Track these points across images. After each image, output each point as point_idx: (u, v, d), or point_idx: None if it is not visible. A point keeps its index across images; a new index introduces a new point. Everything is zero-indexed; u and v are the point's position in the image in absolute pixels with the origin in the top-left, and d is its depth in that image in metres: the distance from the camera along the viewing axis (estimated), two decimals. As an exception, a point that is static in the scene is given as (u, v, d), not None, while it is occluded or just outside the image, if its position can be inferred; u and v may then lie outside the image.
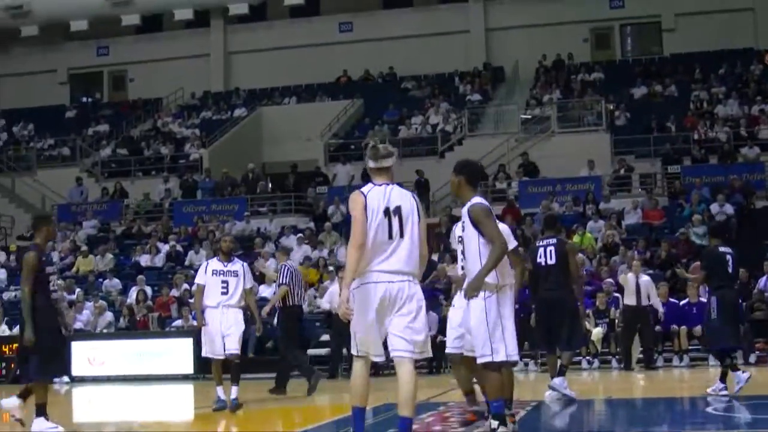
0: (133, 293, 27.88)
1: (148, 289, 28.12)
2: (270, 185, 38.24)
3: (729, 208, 28.58)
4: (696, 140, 33.60)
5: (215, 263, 14.38)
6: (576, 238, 27.01)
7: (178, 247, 31.28)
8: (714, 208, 28.59)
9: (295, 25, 44.54)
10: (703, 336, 18.92)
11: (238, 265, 14.43)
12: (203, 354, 14.54)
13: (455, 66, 42.42)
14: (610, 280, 24.13)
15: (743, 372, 13.83)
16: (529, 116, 36.97)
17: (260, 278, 27.61)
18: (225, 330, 14.05)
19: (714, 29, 39.44)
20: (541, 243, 13.97)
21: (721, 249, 14.07)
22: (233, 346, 14.04)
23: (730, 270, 13.97)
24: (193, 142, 39.47)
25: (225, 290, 14.14)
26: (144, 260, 31.06)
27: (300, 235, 30.80)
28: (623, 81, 39.21)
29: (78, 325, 26.71)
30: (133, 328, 26.54)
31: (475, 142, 35.76)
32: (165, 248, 31.27)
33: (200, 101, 44.71)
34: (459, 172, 9.41)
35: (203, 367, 23.91)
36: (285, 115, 41.15)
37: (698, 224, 26.94)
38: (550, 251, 13.72)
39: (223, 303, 14.08)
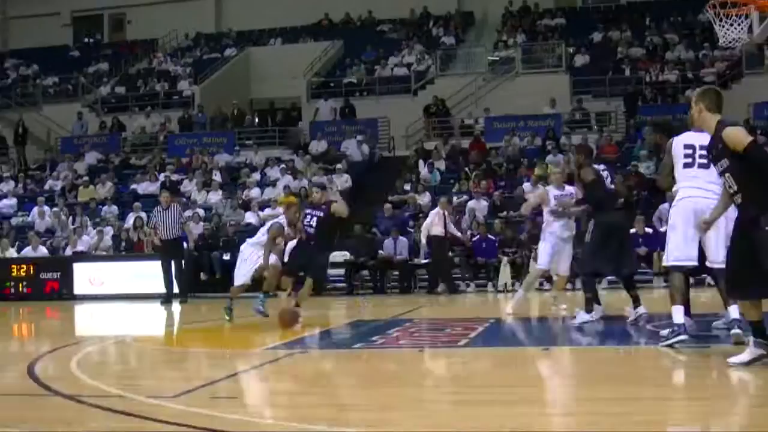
0: (130, 219, 27.97)
1: (144, 215, 28.22)
2: (257, 120, 38.36)
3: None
4: (648, 82, 33.74)
5: None
6: (538, 170, 27.30)
7: (173, 177, 31.37)
8: (662, 144, 28.79)
9: (281, -30, 44.25)
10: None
11: None
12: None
13: (429, 10, 42.31)
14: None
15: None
16: (496, 58, 37.01)
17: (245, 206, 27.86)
18: None
19: (667, -21, 39.39)
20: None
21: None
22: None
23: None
24: (186, 80, 39.44)
25: None
26: (143, 188, 31.11)
27: (283, 165, 30.95)
28: (583, 26, 39.24)
29: (80, 248, 26.91)
30: (130, 250, 26.66)
31: (446, 81, 35.89)
32: (161, 177, 31.35)
33: (193, 42, 44.56)
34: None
35: (192, 286, 24.28)
36: (271, 55, 41.04)
37: (646, 159, 27.16)
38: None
39: None
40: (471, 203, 26.23)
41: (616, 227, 12.50)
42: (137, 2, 45.51)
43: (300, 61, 38.32)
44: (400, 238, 24.63)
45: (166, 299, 21.36)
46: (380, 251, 24.64)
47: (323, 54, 40.05)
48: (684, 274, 9.96)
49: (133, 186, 31.44)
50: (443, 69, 37.25)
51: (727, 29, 13.27)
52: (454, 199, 26.36)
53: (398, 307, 17.53)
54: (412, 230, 25.48)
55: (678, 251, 9.55)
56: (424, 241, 23.52)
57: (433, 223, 23.09)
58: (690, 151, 9.57)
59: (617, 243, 12.44)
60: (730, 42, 13.46)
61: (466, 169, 28.82)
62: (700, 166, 9.48)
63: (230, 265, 25.40)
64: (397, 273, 24.70)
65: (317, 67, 39.28)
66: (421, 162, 29.92)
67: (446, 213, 23.14)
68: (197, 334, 14.48)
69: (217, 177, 30.83)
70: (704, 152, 9.17)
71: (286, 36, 43.05)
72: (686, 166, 9.58)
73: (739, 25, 13.29)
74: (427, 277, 24.19)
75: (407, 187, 28.27)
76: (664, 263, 9.87)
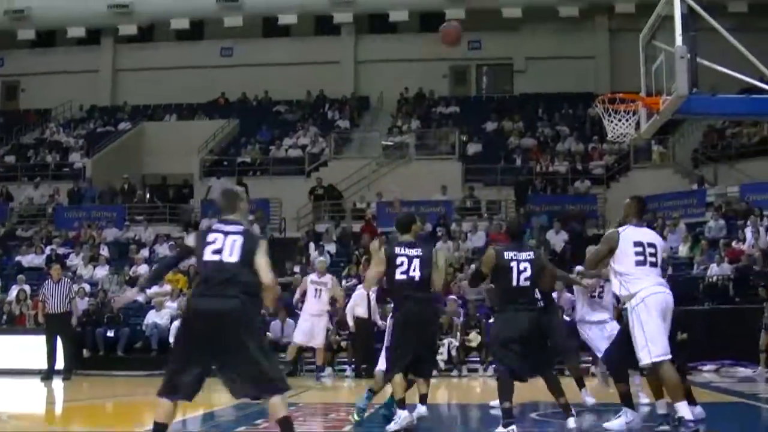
0: (13, 291, 27.30)
1: (27, 288, 27.56)
2: (148, 195, 37.92)
3: (564, 235, 29.16)
4: (538, 172, 34.21)
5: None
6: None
7: (59, 250, 30.74)
8: (550, 234, 29.14)
9: (180, 47, 44.14)
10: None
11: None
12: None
13: (325, 93, 42.54)
14: (453, 296, 24.38)
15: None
16: (390, 143, 37.24)
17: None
18: None
19: (559, 73, 40.17)
20: None
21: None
22: None
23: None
24: (78, 152, 38.87)
25: None
26: (28, 260, 30.46)
27: (172, 243, 30.54)
28: (477, 115, 39.76)
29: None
30: (11, 323, 25.99)
31: (340, 164, 36.00)
32: (47, 250, 30.69)
33: (87, 114, 44.07)
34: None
35: (75, 363, 23.68)
36: (166, 130, 40.74)
37: (535, 247, 27.31)
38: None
39: None
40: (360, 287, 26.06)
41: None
42: (32, 71, 44.84)
43: (195, 137, 38.14)
44: (288, 320, 24.28)
45: (47, 375, 20.82)
46: (267, 333, 24.24)
47: (218, 131, 39.92)
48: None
49: (18, 258, 30.75)
50: (337, 152, 37.38)
51: (616, 124, 13.47)
52: (343, 282, 26.21)
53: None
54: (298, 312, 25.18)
55: (660, 345, 9.55)
56: (351, 323, 23.07)
57: (356, 304, 22.80)
58: (640, 249, 9.79)
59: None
60: (618, 137, 13.65)
61: (356, 252, 28.71)
62: (651, 264, 9.76)
63: (114, 342, 25.11)
64: (283, 355, 24.25)
65: (212, 144, 39.13)
66: (311, 244, 29.77)
67: (370, 294, 22.83)
68: (79, 412, 14.01)
69: (104, 252, 30.30)
70: (652, 250, 9.76)
71: (182, 112, 42.89)
72: (639, 263, 9.75)
73: (627, 120, 13.49)
74: (314, 360, 23.79)
75: (296, 269, 28.00)
76: (650, 360, 9.62)
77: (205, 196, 35.13)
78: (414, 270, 10.27)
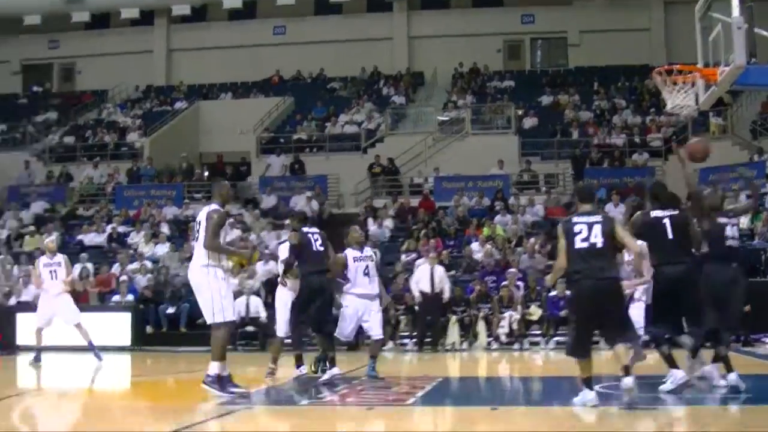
0: (76, 270, 27.74)
1: (90, 266, 28.08)
2: (206, 173, 38.35)
3: (621, 208, 29.14)
4: (595, 145, 34.20)
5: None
6: (486, 231, 27.59)
7: (120, 229, 31.23)
8: (609, 207, 29.16)
9: (232, 26, 44.59)
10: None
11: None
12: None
13: (379, 69, 42.76)
14: (512, 270, 24.57)
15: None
16: (446, 118, 37.35)
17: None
18: None
19: (614, 46, 40.11)
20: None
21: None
22: None
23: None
24: (135, 131, 39.40)
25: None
26: (89, 238, 30.97)
27: (231, 220, 30.90)
28: (532, 89, 39.80)
29: (24, 298, 26.55)
30: (75, 301, 26.30)
31: (396, 140, 36.11)
32: (108, 229, 31.19)
33: (143, 94, 44.58)
34: None
35: (138, 339, 24.29)
36: (221, 109, 41.16)
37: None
38: None
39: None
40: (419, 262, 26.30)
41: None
42: (87, 53, 45.46)
43: (250, 115, 38.51)
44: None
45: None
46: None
47: (273, 109, 40.23)
48: None
49: (80, 236, 31.23)
50: (393, 128, 37.52)
51: (674, 96, 13.54)
52: (402, 257, 26.49)
53: (346, 364, 17.50)
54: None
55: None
56: (417, 295, 23.41)
57: (419, 279, 23.16)
58: None
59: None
60: (676, 108, 13.73)
61: (414, 227, 28.96)
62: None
63: (175, 318, 25.58)
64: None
65: (267, 122, 39.45)
66: (369, 219, 30.05)
67: (433, 268, 23.15)
68: (143, 387, 14.39)
69: (164, 229, 30.76)
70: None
71: (237, 91, 43.27)
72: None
73: (685, 92, 13.57)
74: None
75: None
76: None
77: (263, 174, 35.51)
78: (595, 237, 10.16)
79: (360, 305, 13.89)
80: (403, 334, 23.90)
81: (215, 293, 11.60)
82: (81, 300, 25.91)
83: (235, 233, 27.83)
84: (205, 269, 11.67)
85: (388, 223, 30.04)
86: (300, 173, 35.04)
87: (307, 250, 13.60)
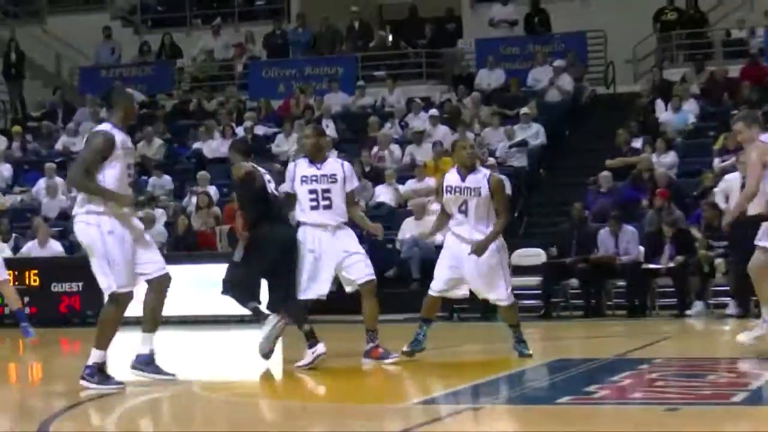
0: (193, 198, 28.21)
1: (214, 191, 28.45)
2: (390, 38, 38.34)
3: None
4: None
5: None
6: None
7: (258, 130, 31.50)
8: None
9: None
10: None
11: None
12: None
13: None
14: None
15: None
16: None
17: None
18: None
19: None
20: None
21: None
22: None
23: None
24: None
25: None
26: (210, 148, 31.54)
27: (434, 111, 30.93)
28: None
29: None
30: (192, 247, 26.73)
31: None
32: (239, 131, 31.54)
33: None
34: None
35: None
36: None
37: None
38: None
39: None
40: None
41: None
42: None
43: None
44: (626, 227, 24.36)
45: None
46: (595, 249, 24.46)
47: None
48: None
49: (196, 145, 31.82)
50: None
51: None
52: (715, 162, 26.10)
53: (626, 339, 17.49)
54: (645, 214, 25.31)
55: None
56: (728, 220, 21.07)
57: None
58: None
59: None
60: None
61: (734, 112, 28.54)
62: None
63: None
64: (622, 283, 24.47)
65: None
66: (659, 102, 29.68)
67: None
68: (302, 376, 14.58)
69: (329, 130, 31.01)
70: None
71: None
72: None
73: None
74: (672, 290, 23.92)
75: (637, 143, 28.06)
76: None
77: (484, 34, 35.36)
78: None
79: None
80: (720, 287, 23.55)
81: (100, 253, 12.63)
82: (202, 244, 26.34)
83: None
84: (84, 219, 12.57)
85: (690, 106, 29.60)
86: (541, 30, 34.72)
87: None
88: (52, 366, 18.32)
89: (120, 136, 12.52)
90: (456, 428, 9.84)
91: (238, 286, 15.18)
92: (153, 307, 13.30)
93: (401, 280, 25.83)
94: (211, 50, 37.14)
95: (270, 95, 33.88)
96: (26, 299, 25.53)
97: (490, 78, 33.01)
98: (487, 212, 14.78)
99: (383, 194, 27.78)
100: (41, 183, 30.29)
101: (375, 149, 29.78)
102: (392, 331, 15.72)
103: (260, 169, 15.07)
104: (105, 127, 12.53)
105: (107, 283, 12.59)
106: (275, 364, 14.92)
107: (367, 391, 12.83)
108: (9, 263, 25.66)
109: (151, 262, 13.08)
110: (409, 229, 25.86)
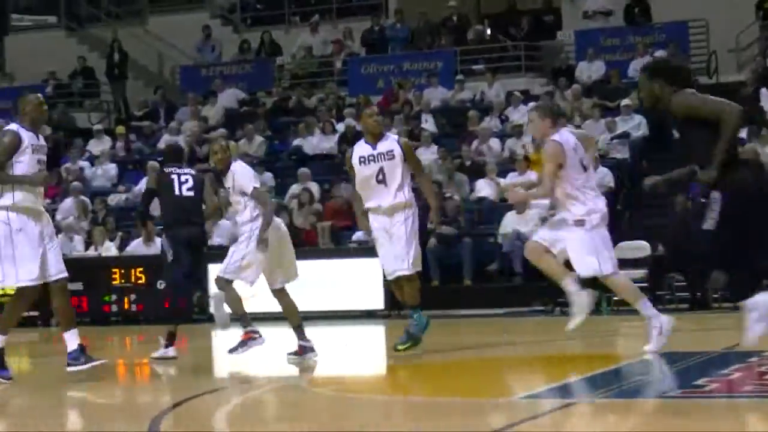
0: (295, 192, 28.28)
1: (315, 188, 28.50)
2: (488, 31, 38.29)
3: None
4: None
5: None
6: None
7: (359, 126, 31.53)
8: None
9: None
10: None
11: None
12: None
13: None
14: None
15: None
16: None
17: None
18: None
19: None
20: None
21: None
22: None
23: None
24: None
25: None
26: (311, 144, 31.66)
27: (533, 103, 30.80)
28: None
29: (217, 240, 27.07)
30: (294, 244, 26.59)
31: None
32: (339, 127, 31.59)
33: None
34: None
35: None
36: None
37: None
38: None
39: None
40: None
41: None
42: None
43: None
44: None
45: None
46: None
47: None
48: None
49: (296, 141, 31.87)
50: None
51: None
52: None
53: (733, 332, 17.30)
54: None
55: None
56: None
57: None
58: None
59: None
60: None
61: None
62: None
63: (455, 263, 25.79)
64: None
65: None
66: (763, 91, 29.44)
67: None
68: (405, 371, 14.58)
69: (428, 124, 30.96)
70: None
71: None
72: None
73: None
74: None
75: (741, 133, 27.81)
76: None
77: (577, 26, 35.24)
78: None
79: None
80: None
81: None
82: (306, 240, 26.35)
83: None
84: None
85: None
86: (641, 20, 34.53)
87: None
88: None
89: (28, 135, 13.26)
90: (563, 423, 9.75)
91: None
92: (64, 307, 13.59)
93: (503, 275, 25.83)
94: (309, 47, 37.32)
95: (369, 91, 33.86)
96: (132, 297, 25.82)
97: (590, 70, 32.93)
98: (403, 176, 15.09)
99: (484, 189, 27.68)
100: (144, 183, 30.39)
101: (475, 143, 29.72)
102: (495, 325, 15.69)
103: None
104: (12, 127, 13.35)
105: (14, 278, 13.10)
106: (380, 360, 14.93)
107: (469, 385, 12.75)
108: (116, 261, 26.22)
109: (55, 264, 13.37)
110: (510, 224, 25.76)
